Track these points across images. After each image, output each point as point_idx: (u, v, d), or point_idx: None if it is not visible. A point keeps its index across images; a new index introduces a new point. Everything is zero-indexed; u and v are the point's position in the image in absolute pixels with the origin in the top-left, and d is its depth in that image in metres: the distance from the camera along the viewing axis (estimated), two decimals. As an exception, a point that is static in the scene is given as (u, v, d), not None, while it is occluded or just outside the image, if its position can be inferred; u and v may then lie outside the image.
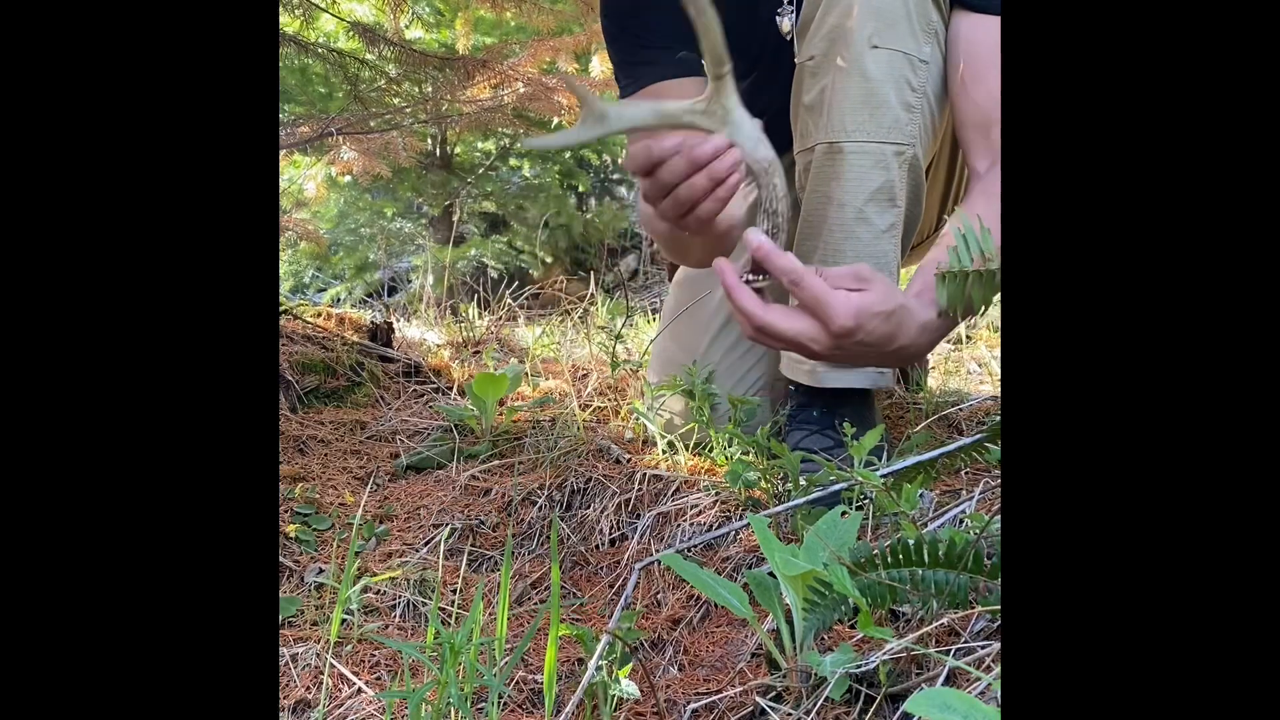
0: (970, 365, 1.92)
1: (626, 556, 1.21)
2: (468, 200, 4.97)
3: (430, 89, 2.60)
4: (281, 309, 1.95)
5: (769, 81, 1.45)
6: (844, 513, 0.86)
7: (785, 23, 1.40)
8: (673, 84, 1.41)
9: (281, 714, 0.92)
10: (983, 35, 1.22)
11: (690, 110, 0.95)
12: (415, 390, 1.84)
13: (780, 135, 1.42)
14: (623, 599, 1.03)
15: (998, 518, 0.76)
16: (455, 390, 1.85)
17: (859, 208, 1.20)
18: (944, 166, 1.49)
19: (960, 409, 1.44)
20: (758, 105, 1.54)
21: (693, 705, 0.85)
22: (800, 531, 1.04)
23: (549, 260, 5.08)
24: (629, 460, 1.37)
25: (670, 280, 1.68)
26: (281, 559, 1.17)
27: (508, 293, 2.58)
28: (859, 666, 0.72)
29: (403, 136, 2.82)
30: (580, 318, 2.54)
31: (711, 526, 1.17)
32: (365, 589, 1.12)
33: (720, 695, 0.84)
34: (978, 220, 0.94)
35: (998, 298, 0.87)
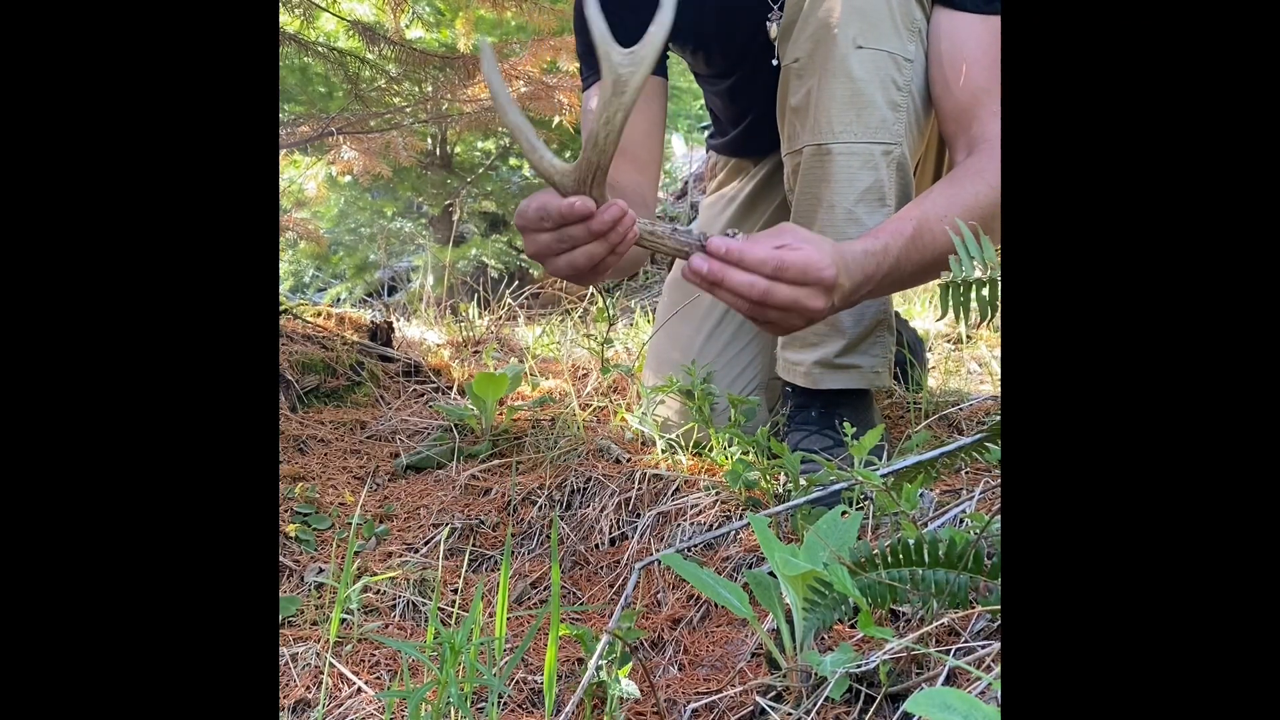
0: (970, 365, 1.92)
1: (626, 556, 1.21)
2: (468, 200, 4.96)
3: (431, 88, 2.60)
4: (281, 309, 1.95)
5: (750, 84, 1.45)
6: (844, 513, 0.86)
7: (774, 28, 1.39)
8: None
9: (281, 714, 0.92)
10: (965, 32, 1.22)
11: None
12: (415, 390, 1.84)
13: (763, 137, 1.43)
14: (623, 599, 1.03)
15: (998, 518, 0.76)
16: (455, 390, 1.85)
17: (849, 209, 1.20)
18: (931, 164, 1.49)
19: (960, 409, 1.44)
20: (739, 106, 1.55)
21: (693, 705, 0.85)
22: (800, 531, 1.04)
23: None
24: (629, 460, 1.37)
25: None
26: (281, 559, 1.17)
27: (508, 292, 2.58)
28: (859, 666, 0.72)
29: (403, 136, 2.82)
30: (580, 317, 2.54)
31: (711, 526, 1.17)
32: (365, 589, 1.12)
33: (720, 695, 0.84)
34: (975, 228, 0.96)
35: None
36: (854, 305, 1.13)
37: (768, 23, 1.39)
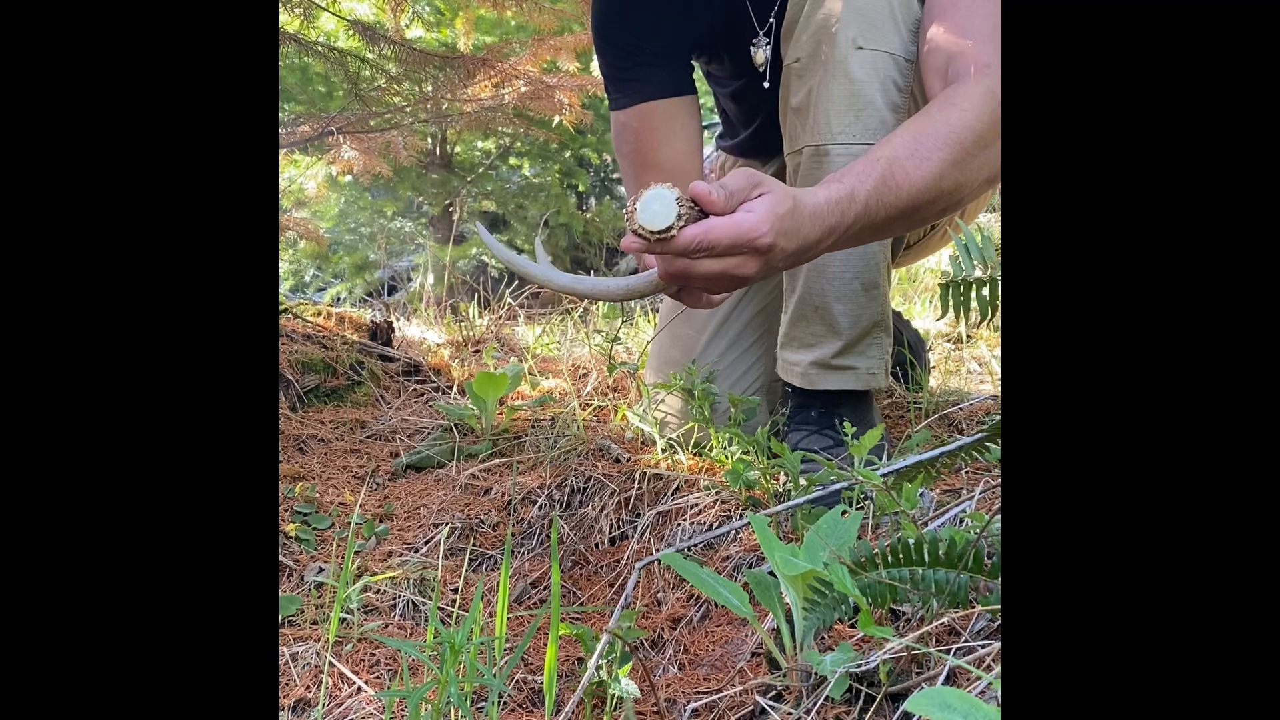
0: (970, 365, 1.92)
1: (626, 556, 1.21)
2: (468, 199, 4.96)
3: (431, 88, 2.60)
4: (281, 308, 1.95)
5: (756, 88, 1.45)
6: (844, 512, 0.86)
7: (760, 54, 1.40)
8: (660, 105, 1.41)
9: (281, 713, 0.92)
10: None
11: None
12: (415, 389, 1.84)
13: (773, 139, 1.43)
14: (623, 598, 1.03)
15: (998, 517, 0.76)
16: (455, 389, 1.85)
17: None
18: None
19: (960, 409, 1.44)
20: (748, 109, 1.55)
21: (693, 704, 0.85)
22: (800, 531, 1.04)
23: (549, 259, 5.07)
24: (629, 459, 1.37)
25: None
26: (281, 558, 1.17)
27: (508, 292, 2.58)
28: (859, 665, 0.72)
29: (403, 135, 2.82)
30: (580, 317, 2.54)
31: (711, 526, 1.17)
32: (365, 588, 1.12)
33: (720, 694, 0.84)
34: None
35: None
36: (818, 256, 1.03)
37: (752, 48, 1.39)
